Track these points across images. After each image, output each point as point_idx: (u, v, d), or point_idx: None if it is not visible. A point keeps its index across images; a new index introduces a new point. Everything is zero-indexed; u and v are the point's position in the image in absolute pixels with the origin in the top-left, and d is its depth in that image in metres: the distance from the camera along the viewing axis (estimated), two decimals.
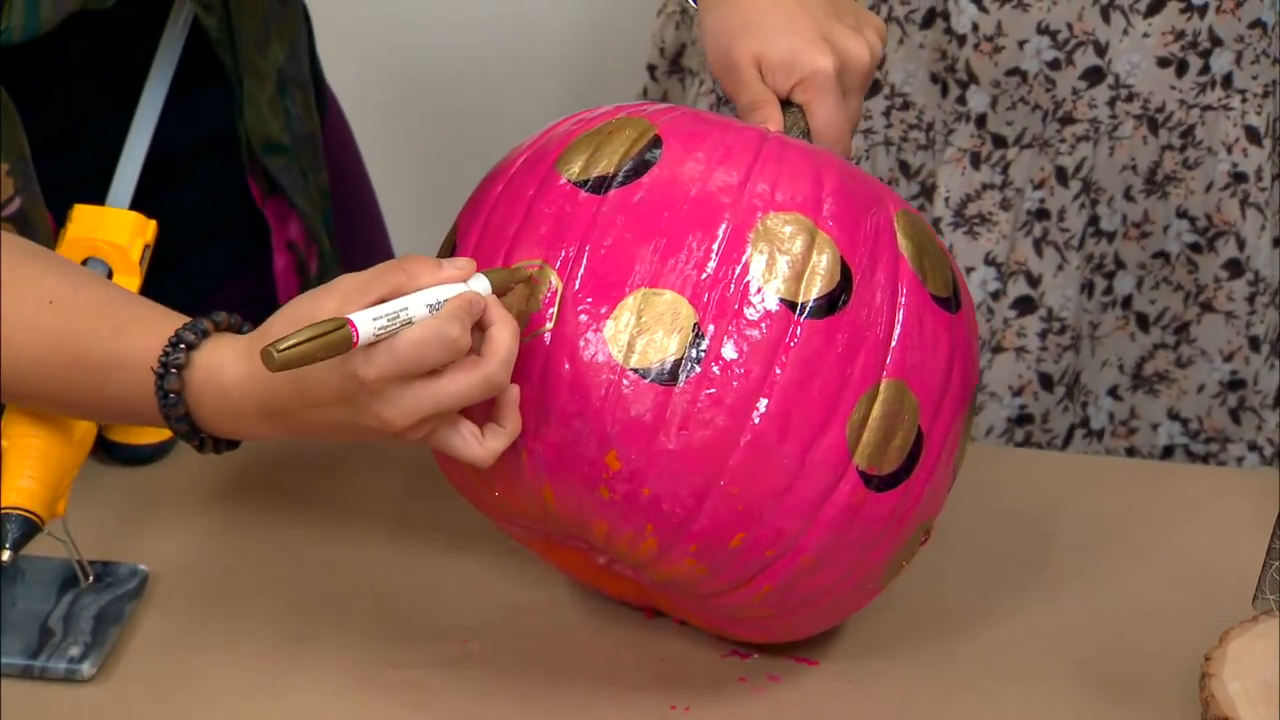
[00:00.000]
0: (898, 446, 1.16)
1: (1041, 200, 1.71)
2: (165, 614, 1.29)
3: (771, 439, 1.14)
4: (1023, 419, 1.77)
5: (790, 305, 1.14)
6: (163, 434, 1.39)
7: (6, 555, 1.20)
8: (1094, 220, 1.72)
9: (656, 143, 1.18)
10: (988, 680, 1.25)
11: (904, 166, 1.74)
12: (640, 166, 1.17)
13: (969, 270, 1.73)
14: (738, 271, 1.14)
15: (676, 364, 1.13)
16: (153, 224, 1.33)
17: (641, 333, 1.14)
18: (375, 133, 1.76)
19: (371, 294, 1.10)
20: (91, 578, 1.29)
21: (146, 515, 1.37)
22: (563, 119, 1.23)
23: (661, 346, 1.14)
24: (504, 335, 1.11)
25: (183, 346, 1.15)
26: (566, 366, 1.14)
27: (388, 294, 1.10)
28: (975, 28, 1.66)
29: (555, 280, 1.15)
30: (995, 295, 1.74)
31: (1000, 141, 1.69)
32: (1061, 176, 1.70)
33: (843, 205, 1.17)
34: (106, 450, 1.39)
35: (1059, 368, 1.76)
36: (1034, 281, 1.73)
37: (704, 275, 1.14)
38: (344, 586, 1.32)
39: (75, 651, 1.24)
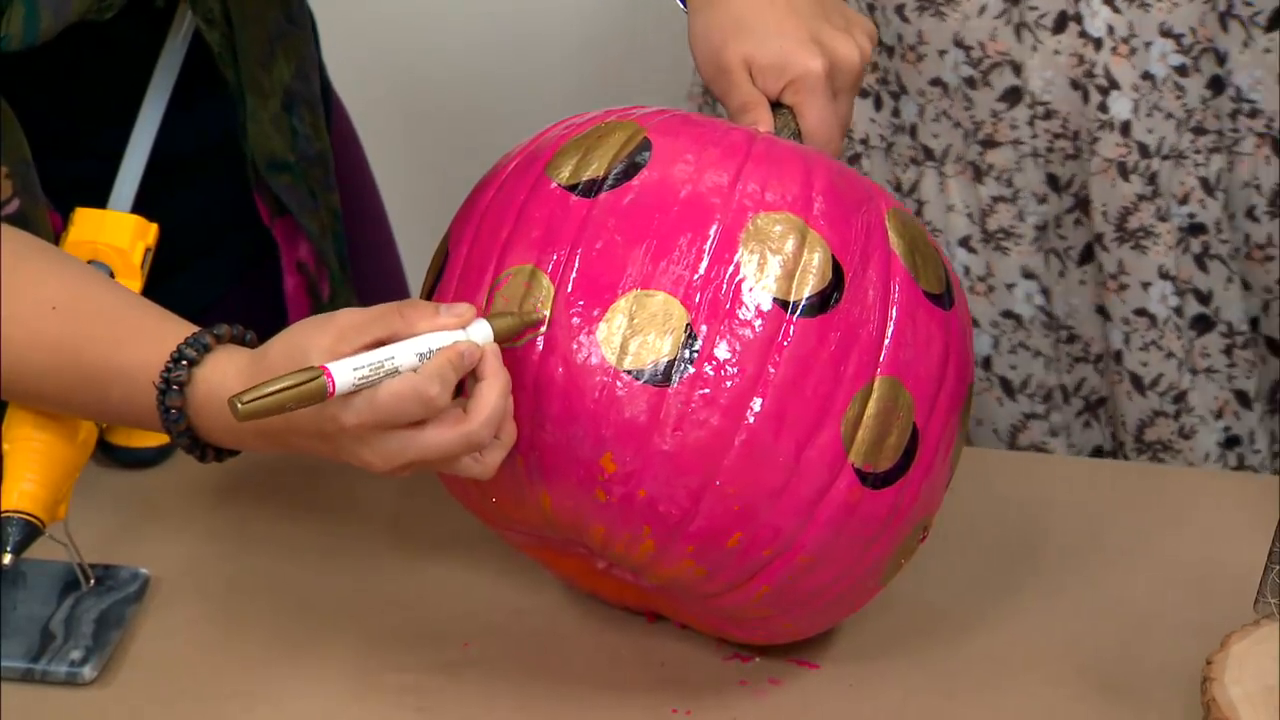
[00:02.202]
0: (893, 443, 1.16)
1: (1191, 215, 1.64)
2: (166, 617, 1.29)
3: (766, 438, 1.14)
4: (1230, 441, 1.71)
5: (782, 304, 1.14)
6: (164, 437, 1.39)
7: (8, 559, 1.21)
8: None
9: (646, 145, 1.18)
10: (988, 683, 1.25)
11: (1052, 180, 1.66)
12: (630, 169, 1.17)
13: (1145, 285, 1.66)
14: (729, 271, 1.14)
15: (670, 365, 1.14)
16: (154, 227, 1.33)
17: (634, 334, 1.14)
18: (375, 136, 1.76)
19: (368, 335, 1.11)
20: (92, 581, 1.30)
21: (147, 519, 1.38)
22: (553, 124, 1.24)
23: (655, 348, 1.14)
24: (491, 394, 1.11)
25: (185, 363, 1.16)
26: (560, 370, 1.14)
27: (384, 337, 1.11)
28: (1111, 30, 1.60)
29: (547, 284, 1.15)
30: (1178, 311, 1.66)
31: (1145, 151, 1.62)
32: (1207, 187, 1.64)
33: (833, 204, 1.17)
34: (107, 453, 1.40)
35: (1251, 384, 1.69)
36: (1204, 299, 1.66)
37: (696, 276, 1.14)
38: (345, 590, 1.32)
39: (76, 655, 1.25)
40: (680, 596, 1.22)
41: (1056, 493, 1.41)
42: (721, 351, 1.13)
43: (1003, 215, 1.68)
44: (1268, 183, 1.63)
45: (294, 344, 1.12)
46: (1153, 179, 1.62)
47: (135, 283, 1.32)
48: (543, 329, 1.15)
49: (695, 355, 1.13)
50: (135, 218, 1.33)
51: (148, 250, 1.33)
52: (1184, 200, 1.63)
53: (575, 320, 1.14)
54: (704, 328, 1.14)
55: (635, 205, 1.16)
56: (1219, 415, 1.69)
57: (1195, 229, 1.64)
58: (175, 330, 1.18)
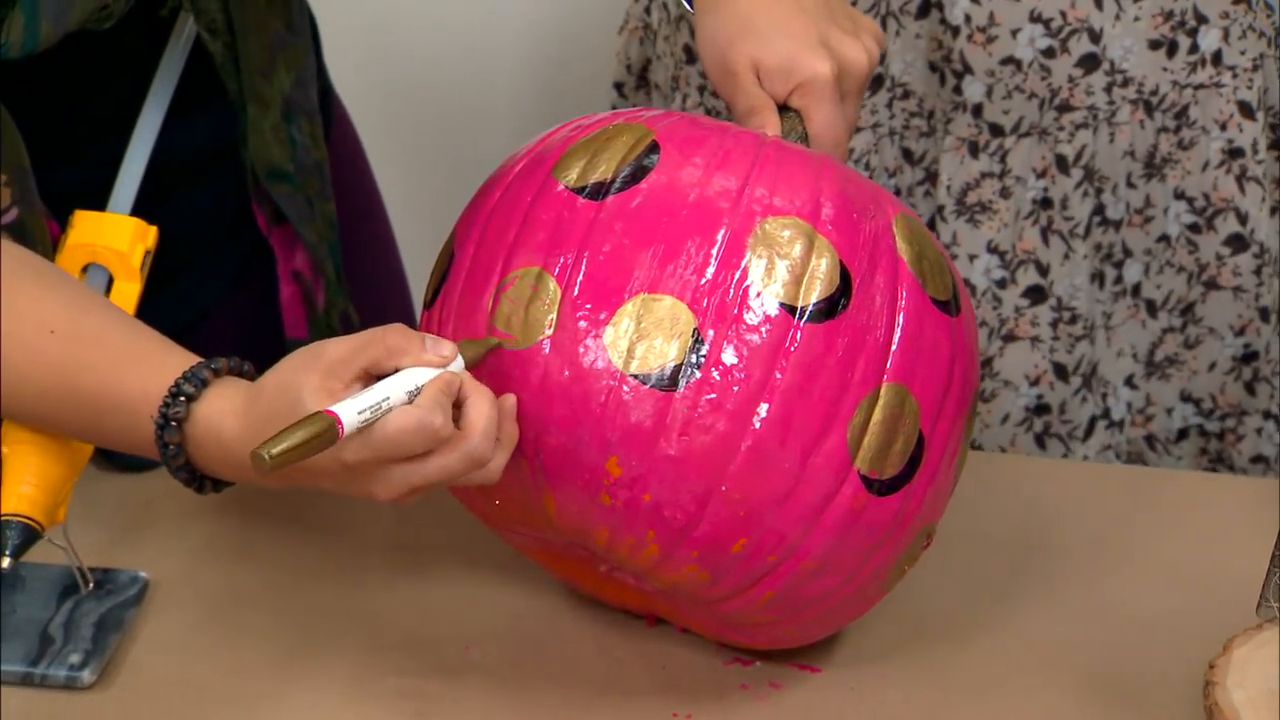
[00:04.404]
0: (899, 450, 1.16)
1: (1045, 189, 1.71)
2: (165, 621, 1.29)
3: (772, 444, 1.13)
4: (1040, 409, 1.77)
5: (790, 310, 1.14)
6: None
7: (7, 562, 1.20)
8: (1099, 209, 1.71)
9: (654, 148, 1.18)
10: (990, 688, 1.25)
11: (907, 154, 1.73)
12: (638, 172, 1.17)
13: (972, 258, 1.73)
14: (737, 276, 1.14)
15: (676, 369, 1.13)
16: (153, 230, 1.33)
17: (641, 339, 1.14)
18: (377, 138, 1.75)
19: (354, 367, 1.12)
20: (92, 585, 1.29)
21: (147, 522, 1.37)
22: (560, 125, 1.23)
23: (661, 352, 1.13)
24: (482, 406, 1.12)
25: (182, 399, 1.16)
26: (566, 373, 1.14)
27: (369, 366, 1.12)
28: (968, 19, 1.66)
29: (554, 287, 1.15)
30: (1001, 284, 1.74)
31: (997, 130, 1.69)
32: (1062, 165, 1.70)
33: (841, 209, 1.17)
34: (107, 457, 1.39)
35: (1073, 358, 1.75)
36: (1043, 270, 1.73)
37: (703, 280, 1.14)
38: (345, 593, 1.32)
39: (75, 659, 1.24)
40: (683, 601, 1.22)
41: (1058, 497, 1.41)
42: (728, 357, 1.13)
43: None
44: (1142, 147, 1.70)
45: (287, 383, 1.13)
46: (1004, 158, 1.69)
47: (135, 285, 1.31)
48: (538, 339, 1.15)
49: (702, 360, 1.13)
50: (135, 220, 1.32)
51: (147, 253, 1.32)
52: (1041, 174, 1.70)
53: (582, 324, 1.14)
54: (711, 333, 1.13)
55: (643, 208, 1.16)
56: (1035, 382, 1.75)
57: (1045, 203, 1.71)
58: (174, 361, 1.18)
